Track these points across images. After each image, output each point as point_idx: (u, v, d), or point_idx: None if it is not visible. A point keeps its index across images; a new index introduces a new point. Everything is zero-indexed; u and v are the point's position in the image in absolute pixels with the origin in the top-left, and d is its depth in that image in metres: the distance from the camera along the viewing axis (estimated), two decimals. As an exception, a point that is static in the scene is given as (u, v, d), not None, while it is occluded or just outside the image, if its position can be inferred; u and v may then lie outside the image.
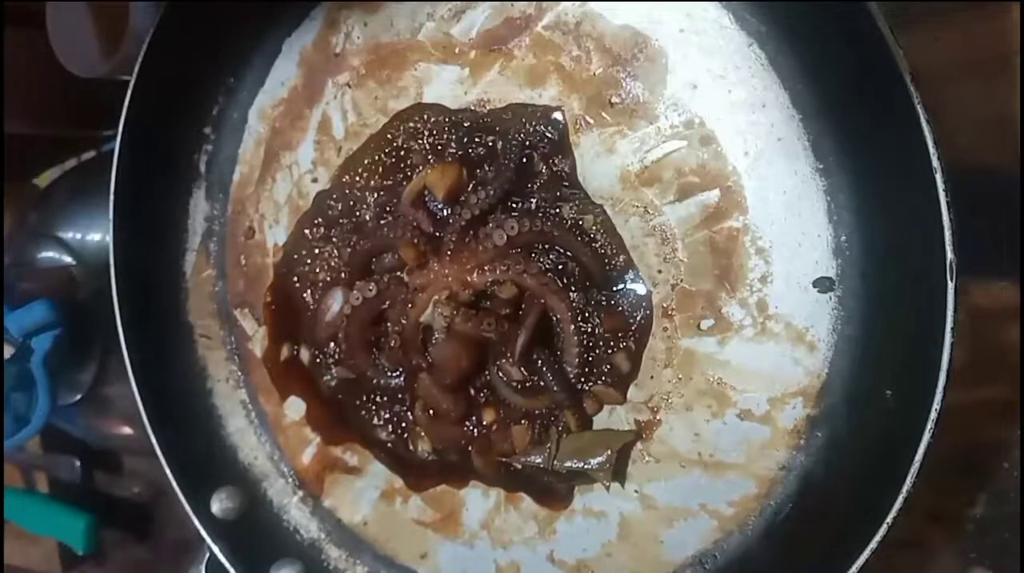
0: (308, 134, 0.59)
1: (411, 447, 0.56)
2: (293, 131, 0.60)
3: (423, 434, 0.56)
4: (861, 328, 0.43)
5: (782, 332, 0.45)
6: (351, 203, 0.57)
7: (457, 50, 0.53)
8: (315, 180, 0.59)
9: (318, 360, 0.59)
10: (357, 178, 0.57)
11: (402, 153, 0.55)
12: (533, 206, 0.50)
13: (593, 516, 0.51)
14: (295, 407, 0.61)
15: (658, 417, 0.48)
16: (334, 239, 0.58)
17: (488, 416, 0.53)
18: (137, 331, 0.59)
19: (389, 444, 0.57)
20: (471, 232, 0.51)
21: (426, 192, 0.53)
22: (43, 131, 0.83)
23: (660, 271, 0.48)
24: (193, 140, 0.62)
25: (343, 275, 0.57)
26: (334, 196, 0.58)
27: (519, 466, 0.52)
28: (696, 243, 0.47)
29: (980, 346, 0.50)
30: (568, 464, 0.50)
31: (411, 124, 0.54)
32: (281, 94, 0.60)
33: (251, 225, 0.62)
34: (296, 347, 0.60)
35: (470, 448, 0.54)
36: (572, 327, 0.49)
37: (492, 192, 0.50)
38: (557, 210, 0.50)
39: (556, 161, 0.50)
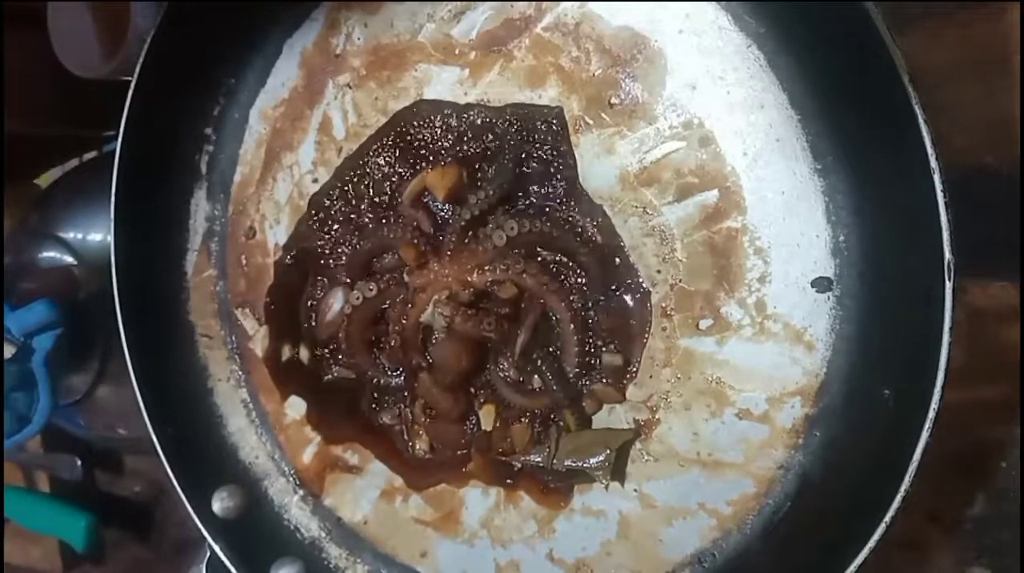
0: (309, 135, 0.59)
1: (411, 446, 0.57)
2: (294, 132, 0.60)
3: (423, 433, 0.56)
4: (859, 328, 0.43)
5: (780, 332, 0.45)
6: (351, 203, 0.57)
7: (457, 51, 0.53)
8: (316, 180, 0.59)
9: (318, 360, 0.60)
10: (357, 178, 0.57)
11: (402, 153, 0.55)
12: (533, 207, 0.51)
13: (592, 515, 0.51)
14: (296, 406, 0.61)
15: (657, 416, 0.48)
16: (334, 239, 0.58)
17: (488, 415, 0.53)
18: (138, 331, 0.59)
19: (389, 443, 0.57)
20: (471, 232, 0.51)
21: (426, 192, 0.53)
22: (44, 131, 0.83)
23: (659, 271, 0.48)
24: (194, 140, 0.63)
25: (343, 275, 0.58)
26: (334, 196, 0.58)
27: (519, 465, 0.52)
28: (695, 243, 0.47)
29: (979, 346, 0.50)
30: (567, 463, 0.50)
31: (411, 125, 0.54)
32: (282, 95, 0.60)
33: (252, 225, 0.62)
34: (297, 347, 0.61)
35: (470, 447, 0.54)
36: (572, 327, 0.49)
37: (492, 192, 0.50)
38: (557, 211, 0.50)
39: (556, 162, 0.50)
